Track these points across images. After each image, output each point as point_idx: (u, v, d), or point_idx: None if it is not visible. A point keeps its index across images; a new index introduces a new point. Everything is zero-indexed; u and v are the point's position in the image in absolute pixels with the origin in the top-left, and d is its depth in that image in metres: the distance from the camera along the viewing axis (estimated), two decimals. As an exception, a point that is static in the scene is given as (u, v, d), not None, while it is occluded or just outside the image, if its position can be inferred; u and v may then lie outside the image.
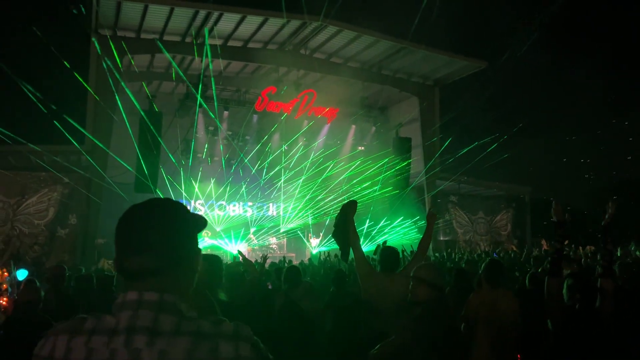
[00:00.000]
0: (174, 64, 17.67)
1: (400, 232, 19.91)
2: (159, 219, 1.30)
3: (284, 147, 20.62)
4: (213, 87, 17.41)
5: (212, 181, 20.18)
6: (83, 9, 14.39)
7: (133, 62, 16.47)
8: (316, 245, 21.56)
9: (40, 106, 11.97)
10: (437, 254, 16.33)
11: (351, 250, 4.19)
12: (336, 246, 4.24)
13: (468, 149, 19.71)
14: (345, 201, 4.39)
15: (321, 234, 21.43)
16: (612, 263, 3.42)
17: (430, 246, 20.15)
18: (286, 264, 10.62)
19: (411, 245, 13.19)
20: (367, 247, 19.48)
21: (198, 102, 17.50)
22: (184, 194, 19.40)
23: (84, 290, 6.00)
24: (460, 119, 21.89)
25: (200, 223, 1.39)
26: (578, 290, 2.90)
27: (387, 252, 4.35)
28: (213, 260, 3.76)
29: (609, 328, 2.91)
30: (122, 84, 15.04)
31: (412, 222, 20.20)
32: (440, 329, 2.84)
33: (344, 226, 4.16)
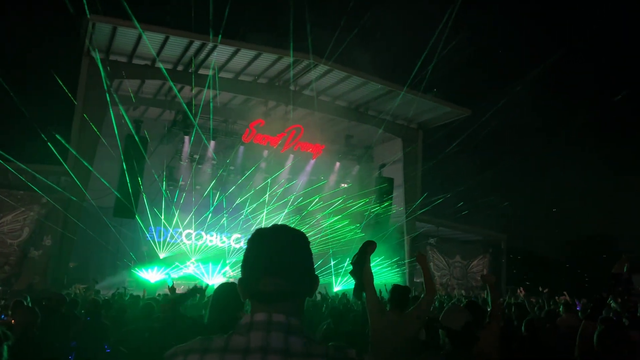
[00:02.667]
0: (176, 92, 17.69)
1: (379, 272, 19.87)
2: (293, 244, 1.35)
3: (269, 180, 20.60)
4: (211, 116, 17.46)
5: (194, 210, 19.91)
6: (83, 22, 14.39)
7: (130, 89, 16.45)
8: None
9: (31, 120, 11.80)
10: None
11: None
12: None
13: (444, 196, 20.04)
14: (365, 240, 4.41)
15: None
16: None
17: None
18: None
19: (385, 285, 13.11)
20: (344, 285, 19.40)
21: (195, 129, 17.48)
22: (163, 221, 19.07)
23: (72, 314, 5.85)
24: (443, 164, 22.34)
25: None
26: (610, 339, 2.98)
27: (397, 291, 4.36)
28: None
29: None
30: (121, 108, 14.96)
31: (391, 263, 20.23)
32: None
33: (362, 264, 4.16)
